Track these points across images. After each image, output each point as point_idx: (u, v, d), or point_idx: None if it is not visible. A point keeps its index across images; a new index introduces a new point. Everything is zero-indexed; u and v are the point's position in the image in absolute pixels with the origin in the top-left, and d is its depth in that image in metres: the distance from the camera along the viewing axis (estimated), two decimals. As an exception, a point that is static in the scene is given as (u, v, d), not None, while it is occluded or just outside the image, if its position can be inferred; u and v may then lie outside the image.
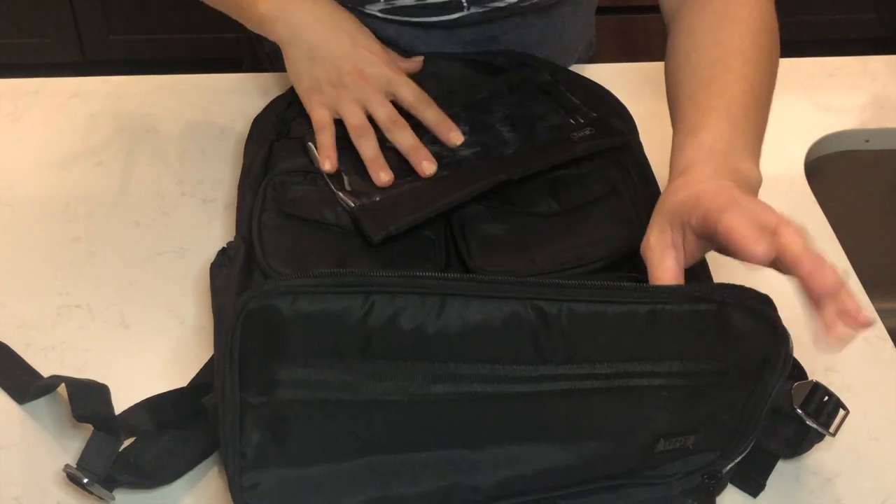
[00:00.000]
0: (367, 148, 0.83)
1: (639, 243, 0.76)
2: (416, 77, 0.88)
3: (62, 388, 0.70)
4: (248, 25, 0.89)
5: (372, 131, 0.84)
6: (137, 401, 0.71)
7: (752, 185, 0.69)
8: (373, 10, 0.92)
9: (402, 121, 0.84)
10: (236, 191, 0.82)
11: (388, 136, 0.84)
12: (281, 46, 0.87)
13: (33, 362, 0.76)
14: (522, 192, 0.80)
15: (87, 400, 0.69)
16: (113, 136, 0.96)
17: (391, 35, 0.94)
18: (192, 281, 0.83)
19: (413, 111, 0.85)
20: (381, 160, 0.82)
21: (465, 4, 0.91)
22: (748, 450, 0.67)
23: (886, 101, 1.06)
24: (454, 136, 0.84)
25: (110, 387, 0.71)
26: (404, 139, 0.83)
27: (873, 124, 1.05)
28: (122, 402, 0.70)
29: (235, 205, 0.81)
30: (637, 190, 0.81)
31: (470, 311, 0.61)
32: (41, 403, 0.74)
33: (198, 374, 0.74)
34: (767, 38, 0.79)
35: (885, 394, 0.78)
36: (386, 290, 0.60)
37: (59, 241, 0.86)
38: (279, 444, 0.63)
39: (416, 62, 0.91)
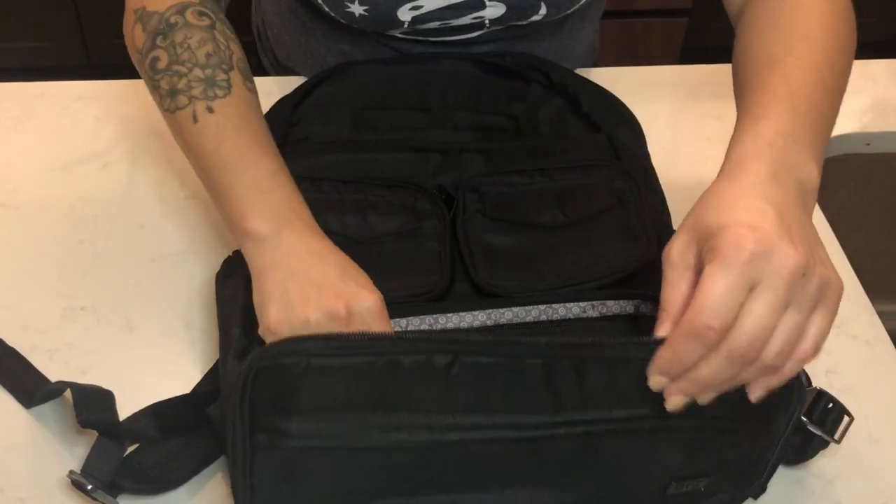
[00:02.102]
0: None
1: (645, 258, 0.75)
2: (425, 77, 0.87)
3: (68, 393, 0.71)
4: (231, 232, 0.72)
5: None
6: (142, 403, 0.71)
7: (804, 189, 0.62)
8: (394, 32, 0.92)
9: None
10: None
11: None
12: (256, 275, 0.68)
13: (38, 364, 0.77)
14: (528, 203, 0.79)
15: (91, 406, 0.69)
16: (117, 140, 0.97)
17: (405, 46, 0.95)
18: (196, 284, 0.83)
19: None
20: None
21: (486, 24, 0.91)
22: (763, 492, 0.68)
23: (887, 105, 1.06)
24: None
25: (114, 390, 0.71)
26: None
27: (874, 127, 1.05)
28: (126, 403, 0.71)
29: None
30: (642, 200, 0.80)
31: (484, 369, 0.60)
32: (47, 408, 0.74)
33: (201, 381, 0.75)
34: (834, 20, 0.73)
35: (885, 396, 0.78)
36: (399, 351, 0.60)
37: (63, 244, 0.87)
38: (288, 483, 0.62)
39: None
